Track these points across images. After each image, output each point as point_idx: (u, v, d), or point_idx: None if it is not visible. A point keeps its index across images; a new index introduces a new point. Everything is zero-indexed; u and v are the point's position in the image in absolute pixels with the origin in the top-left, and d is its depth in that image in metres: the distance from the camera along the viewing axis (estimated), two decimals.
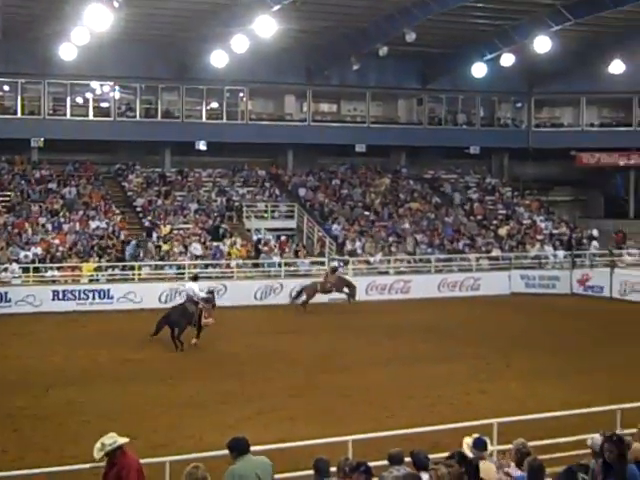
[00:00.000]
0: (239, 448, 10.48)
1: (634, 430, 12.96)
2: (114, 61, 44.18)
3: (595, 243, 47.24)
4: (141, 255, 40.39)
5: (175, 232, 42.53)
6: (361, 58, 45.74)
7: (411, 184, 51.63)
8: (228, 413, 19.64)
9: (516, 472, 11.39)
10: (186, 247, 41.32)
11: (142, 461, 11.06)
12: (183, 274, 39.06)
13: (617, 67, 46.26)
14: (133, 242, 40.99)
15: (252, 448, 10.76)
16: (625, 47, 45.39)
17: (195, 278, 31.66)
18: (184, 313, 28.53)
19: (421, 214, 48.31)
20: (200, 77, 46.45)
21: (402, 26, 40.80)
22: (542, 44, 41.46)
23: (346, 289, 37.97)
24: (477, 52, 45.97)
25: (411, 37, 40.31)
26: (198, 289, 29.59)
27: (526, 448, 11.60)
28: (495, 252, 45.18)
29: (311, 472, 10.84)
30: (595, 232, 48.40)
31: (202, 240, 42.03)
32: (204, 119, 49.20)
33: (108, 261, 39.52)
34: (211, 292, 30.69)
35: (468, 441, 12.02)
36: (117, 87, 47.73)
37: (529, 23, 41.95)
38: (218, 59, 41.32)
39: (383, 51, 42.92)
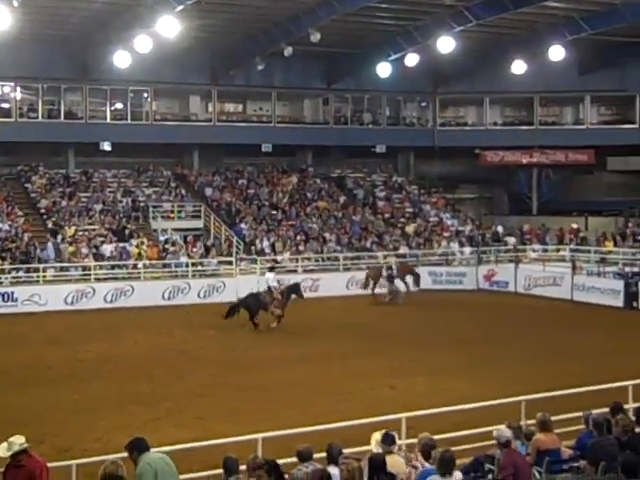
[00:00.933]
0: (139, 447, 10.35)
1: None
2: (15, 61, 43.35)
3: (512, 239, 48.08)
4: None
5: (80, 233, 41.95)
6: (266, 58, 45.72)
7: (318, 183, 51.78)
8: (137, 414, 19.43)
9: (423, 465, 11.51)
10: (97, 247, 40.81)
11: (47, 465, 10.85)
12: (89, 275, 38.60)
13: (519, 67, 47.06)
14: (50, 244, 40.42)
15: (162, 448, 10.68)
16: (526, 48, 46.20)
17: (272, 269, 34.59)
18: (257, 300, 31.76)
19: (328, 213, 48.47)
20: (104, 78, 45.90)
21: (307, 26, 40.89)
22: (445, 44, 41.93)
23: (409, 277, 39.81)
24: (382, 52, 46.29)
25: (316, 37, 40.40)
26: (271, 279, 32.70)
27: (432, 441, 11.73)
28: (402, 250, 45.54)
29: (221, 470, 10.78)
30: (500, 228, 49.22)
31: (108, 241, 41.51)
32: (108, 120, 48.64)
33: (11, 263, 38.78)
34: (296, 284, 33.67)
35: (377, 437, 12.11)
36: (18, 87, 46.88)
37: (432, 24, 42.37)
38: (121, 59, 40.91)
39: (288, 51, 42.94)
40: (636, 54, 49.63)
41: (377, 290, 39.34)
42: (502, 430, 12.38)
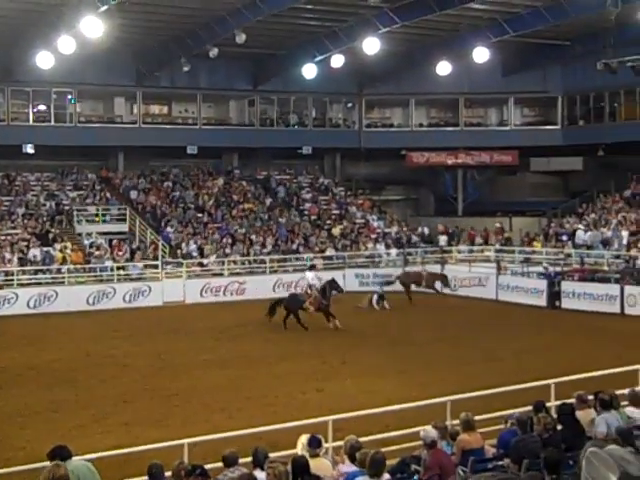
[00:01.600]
0: (61, 455, 10.14)
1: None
2: None
3: (444, 238, 48.47)
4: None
5: (3, 238, 41.25)
6: (191, 59, 45.40)
7: (244, 185, 51.60)
8: (61, 422, 19.15)
9: (349, 468, 11.49)
10: (23, 252, 40.15)
11: None
12: (12, 280, 37.98)
13: (444, 69, 47.40)
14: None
15: (86, 456, 10.50)
16: (451, 49, 46.60)
17: (312, 267, 35.91)
18: (296, 299, 32.77)
19: (255, 215, 48.33)
20: (26, 79, 45.19)
21: (232, 27, 40.71)
22: (371, 46, 42.07)
23: (438, 282, 40.58)
24: (307, 53, 46.29)
25: (241, 38, 40.26)
26: (311, 278, 33.65)
27: (358, 443, 11.72)
28: (329, 251, 45.60)
29: (147, 478, 10.66)
30: (426, 230, 49.57)
31: (32, 245, 40.88)
32: (31, 122, 47.90)
33: None
34: (334, 281, 33.65)
35: (303, 440, 12.09)
36: None
37: (357, 25, 42.46)
38: (44, 61, 40.26)
39: (213, 52, 42.72)
40: (558, 56, 50.39)
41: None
42: (428, 431, 12.45)
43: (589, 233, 44.32)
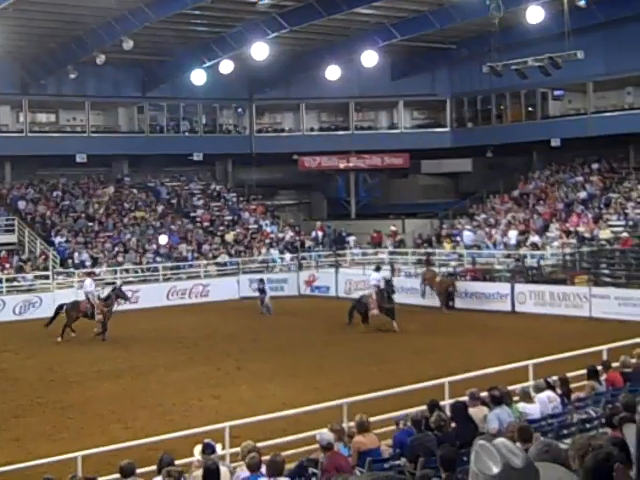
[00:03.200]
0: None
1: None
2: None
3: (353, 237, 48.86)
4: None
5: None
6: (79, 67, 44.76)
7: (135, 193, 51.03)
8: None
9: (244, 474, 11.47)
10: None
11: None
12: None
13: (333, 73, 47.64)
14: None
15: None
16: (340, 54, 46.89)
17: (378, 269, 35.23)
18: (361, 302, 32.58)
19: (146, 223, 47.84)
20: None
21: (119, 34, 40.28)
22: (260, 51, 42.06)
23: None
24: (196, 59, 46.01)
25: (129, 45, 39.87)
26: (374, 278, 33.37)
27: (255, 449, 11.71)
28: (222, 258, 45.41)
29: None
30: (320, 234, 49.72)
31: None
32: None
33: None
34: (389, 281, 33.49)
35: (199, 447, 12.05)
36: None
37: (246, 30, 42.42)
38: None
39: (101, 59, 42.19)
40: (445, 59, 51.21)
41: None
42: (324, 433, 12.50)
43: (477, 232, 45.18)
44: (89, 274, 34.52)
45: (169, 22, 41.00)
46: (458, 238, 45.33)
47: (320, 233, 49.98)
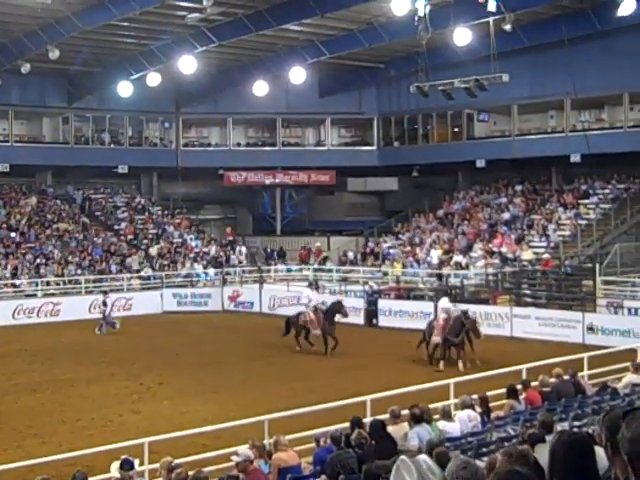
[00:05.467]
0: None
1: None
2: None
3: (244, 248, 48.87)
4: None
5: None
6: (3, 75, 44.08)
7: (58, 204, 50.38)
8: None
9: None
10: None
11: None
12: None
13: (261, 89, 47.56)
14: None
15: None
16: (268, 69, 46.88)
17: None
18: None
19: (69, 235, 47.24)
20: None
21: (45, 42, 39.79)
22: (187, 64, 41.86)
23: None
24: (124, 71, 45.63)
25: (55, 54, 39.41)
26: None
27: (173, 465, 11.62)
28: (146, 272, 45.03)
29: None
30: (243, 249, 49.63)
31: None
32: None
33: None
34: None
35: (117, 463, 11.91)
36: None
37: (174, 43, 42.22)
38: None
39: (25, 68, 41.64)
40: (373, 78, 51.57)
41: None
42: (243, 450, 12.43)
43: (391, 251, 45.65)
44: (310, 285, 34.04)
45: (96, 33, 40.58)
46: (389, 256, 45.56)
47: (230, 238, 50.50)
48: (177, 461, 12.96)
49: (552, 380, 17.81)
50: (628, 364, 19.86)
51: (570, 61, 37.63)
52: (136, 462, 12.59)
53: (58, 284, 42.70)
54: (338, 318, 31.01)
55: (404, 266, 44.21)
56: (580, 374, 19.55)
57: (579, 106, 45.34)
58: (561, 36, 38.55)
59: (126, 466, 11.65)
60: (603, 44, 41.91)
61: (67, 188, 52.33)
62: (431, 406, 15.53)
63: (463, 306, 34.60)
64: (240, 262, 48.55)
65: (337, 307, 31.32)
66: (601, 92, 43.20)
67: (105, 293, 37.50)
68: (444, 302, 29.55)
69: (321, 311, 30.93)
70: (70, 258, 44.65)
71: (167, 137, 55.37)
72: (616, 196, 44.06)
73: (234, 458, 12.28)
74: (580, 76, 39.32)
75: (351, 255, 48.18)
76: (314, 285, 35.71)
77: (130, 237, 49.05)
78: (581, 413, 14.83)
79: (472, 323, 27.80)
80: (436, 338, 27.86)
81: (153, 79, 44.96)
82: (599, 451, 4.62)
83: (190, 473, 11.45)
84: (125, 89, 45.82)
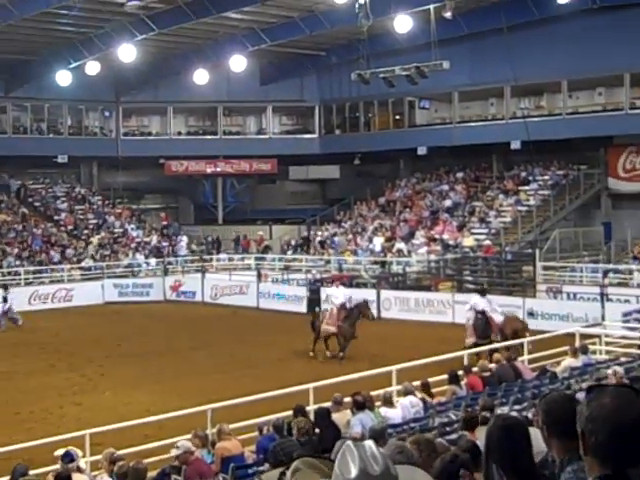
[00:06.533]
0: None
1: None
2: None
3: (185, 238, 48.80)
4: None
5: None
6: None
7: None
8: None
9: None
10: None
11: None
12: None
13: (201, 77, 47.33)
14: None
15: None
16: (208, 58, 46.65)
17: (483, 292, 27.19)
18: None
19: (8, 226, 46.63)
20: None
21: None
22: (127, 53, 41.50)
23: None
24: (62, 60, 45.11)
25: None
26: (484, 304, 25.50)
27: (115, 456, 11.56)
28: (87, 262, 44.62)
29: None
30: (185, 238, 49.37)
31: None
32: None
33: None
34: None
35: (58, 454, 11.82)
36: None
37: (113, 31, 41.80)
38: None
39: None
40: (314, 66, 51.56)
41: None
42: (182, 442, 12.42)
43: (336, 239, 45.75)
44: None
45: (34, 21, 40.10)
46: (334, 244, 45.62)
47: (164, 223, 50.92)
48: (119, 452, 12.88)
49: (492, 366, 17.99)
50: (567, 348, 20.12)
51: (509, 48, 37.94)
52: (79, 454, 12.49)
53: None
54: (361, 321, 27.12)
55: (355, 253, 44.25)
56: (520, 359, 19.76)
57: (519, 93, 45.74)
58: (500, 24, 38.87)
59: (66, 458, 11.54)
60: (542, 31, 42.27)
61: (5, 178, 51.59)
62: (373, 393, 15.60)
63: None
64: (193, 251, 48.40)
65: (362, 308, 27.33)
66: (540, 79, 43.59)
67: (5, 288, 36.17)
68: (476, 299, 26.20)
69: (345, 309, 27.25)
70: (9, 249, 44.07)
71: (107, 126, 54.86)
72: (555, 182, 44.54)
73: (173, 451, 12.25)
74: (519, 63, 39.69)
75: (294, 243, 48.24)
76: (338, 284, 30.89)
77: (70, 227, 48.55)
78: (521, 397, 14.98)
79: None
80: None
81: (92, 68, 44.54)
82: (536, 434, 4.67)
83: (130, 464, 11.41)
84: (64, 78, 45.40)
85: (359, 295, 30.29)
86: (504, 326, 24.56)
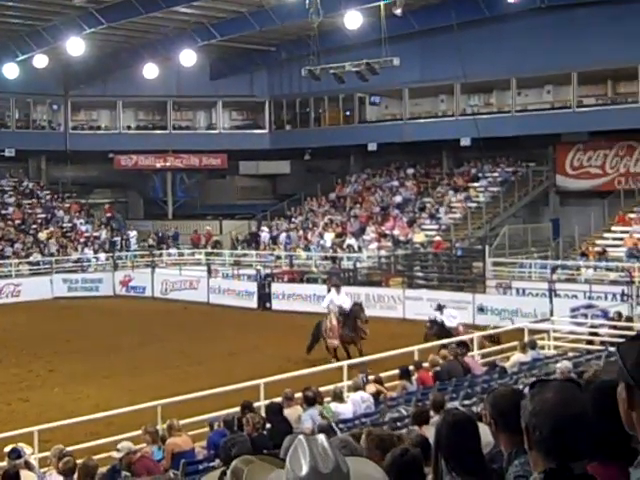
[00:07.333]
0: None
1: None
2: None
3: (134, 232, 48.54)
4: None
5: None
6: None
7: None
8: None
9: (55, 479, 11.27)
10: None
11: None
12: None
13: (151, 71, 47.10)
14: None
15: None
16: (158, 52, 46.44)
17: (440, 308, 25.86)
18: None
19: None
20: None
21: None
22: (75, 46, 41.22)
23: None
24: (9, 52, 44.69)
25: None
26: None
27: (63, 452, 11.52)
28: (35, 257, 44.22)
29: None
30: (133, 233, 49.10)
31: None
32: None
33: None
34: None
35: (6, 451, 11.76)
36: None
37: (62, 25, 41.49)
38: None
39: None
40: (264, 61, 51.47)
41: None
42: (122, 445, 12.44)
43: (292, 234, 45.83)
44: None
45: None
46: (284, 240, 45.59)
47: (108, 215, 50.96)
48: (68, 449, 12.81)
49: (442, 361, 18.12)
50: (516, 343, 20.32)
51: (459, 46, 38.19)
52: (28, 451, 12.41)
53: None
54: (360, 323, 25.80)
55: (307, 249, 44.19)
56: (470, 354, 19.92)
57: (468, 90, 46.02)
58: (450, 21, 39.13)
59: (13, 455, 11.47)
60: (491, 29, 42.60)
61: None
62: (323, 389, 15.66)
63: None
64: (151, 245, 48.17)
65: (355, 312, 26.05)
66: (490, 77, 43.91)
67: None
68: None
69: (343, 315, 25.99)
70: None
71: (55, 120, 54.31)
72: (505, 179, 44.92)
73: (114, 454, 12.25)
74: (469, 61, 39.92)
75: (241, 238, 48.27)
76: (333, 284, 29.42)
77: (18, 222, 48.04)
78: (471, 392, 15.12)
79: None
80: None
81: (40, 61, 44.17)
82: (484, 428, 4.74)
83: (79, 461, 11.35)
84: (11, 71, 44.97)
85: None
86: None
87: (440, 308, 25.64)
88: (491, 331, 23.71)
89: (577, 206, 42.70)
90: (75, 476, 10.92)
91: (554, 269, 35.03)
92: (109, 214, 51.46)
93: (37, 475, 12.20)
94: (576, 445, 3.07)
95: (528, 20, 41.68)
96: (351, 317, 25.73)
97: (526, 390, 3.30)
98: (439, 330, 24.42)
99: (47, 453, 13.07)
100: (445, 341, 21.38)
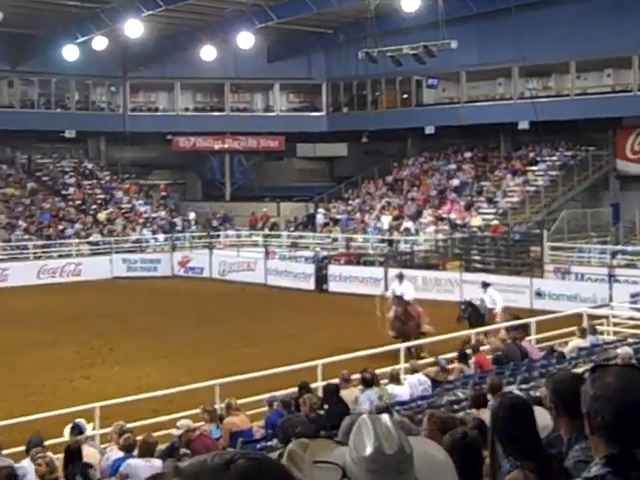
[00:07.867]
0: None
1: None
2: None
3: (192, 214, 49.05)
4: None
5: None
6: None
7: (4, 169, 49.77)
8: None
9: (115, 454, 11.45)
10: None
11: None
12: None
13: (209, 53, 47.35)
14: None
15: None
16: (216, 34, 46.64)
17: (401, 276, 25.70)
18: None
19: (16, 200, 46.76)
20: None
21: None
22: (134, 28, 41.55)
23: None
24: (69, 34, 45.13)
25: None
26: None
27: (124, 429, 11.71)
28: (95, 237, 44.77)
29: None
30: (192, 215, 49.47)
31: None
32: None
33: None
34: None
35: (68, 428, 11.99)
36: None
37: (121, 7, 41.82)
38: None
39: None
40: (322, 44, 51.45)
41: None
42: (181, 422, 12.59)
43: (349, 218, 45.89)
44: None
45: None
46: (347, 224, 45.65)
47: (163, 193, 51.57)
48: (129, 425, 13.02)
49: (500, 345, 18.09)
50: (574, 328, 20.21)
51: (518, 29, 37.86)
52: (89, 427, 12.64)
53: (5, 249, 42.28)
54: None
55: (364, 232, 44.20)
56: (528, 338, 19.85)
57: (527, 74, 45.56)
58: (509, 4, 38.76)
59: (75, 430, 11.71)
60: (550, 12, 42.15)
61: (13, 153, 51.63)
62: (381, 371, 15.73)
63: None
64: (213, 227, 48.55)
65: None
66: (548, 60, 43.45)
67: None
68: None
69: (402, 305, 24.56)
70: (17, 223, 44.20)
71: (114, 101, 54.81)
72: (563, 163, 44.51)
73: (174, 432, 12.41)
74: (528, 44, 39.52)
75: (298, 220, 48.44)
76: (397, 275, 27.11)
77: (78, 202, 48.65)
78: (528, 376, 15.09)
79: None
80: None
81: (99, 43, 44.60)
82: (542, 412, 4.77)
83: (139, 438, 11.56)
84: (71, 53, 45.45)
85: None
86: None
87: (485, 286, 25.35)
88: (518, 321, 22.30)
89: (638, 191, 42.22)
90: (135, 452, 11.13)
91: (614, 254, 34.70)
92: (164, 192, 51.93)
93: (98, 450, 12.44)
94: (638, 431, 3.08)
95: (587, 3, 41.19)
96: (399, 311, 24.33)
97: (586, 375, 3.32)
98: (472, 313, 24.15)
99: (108, 429, 13.31)
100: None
